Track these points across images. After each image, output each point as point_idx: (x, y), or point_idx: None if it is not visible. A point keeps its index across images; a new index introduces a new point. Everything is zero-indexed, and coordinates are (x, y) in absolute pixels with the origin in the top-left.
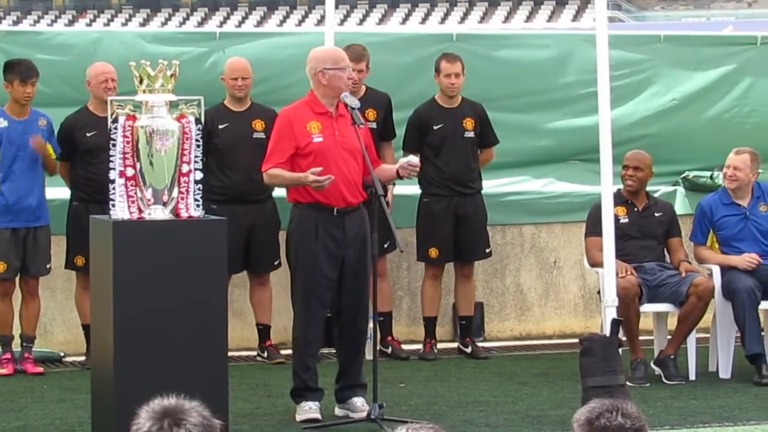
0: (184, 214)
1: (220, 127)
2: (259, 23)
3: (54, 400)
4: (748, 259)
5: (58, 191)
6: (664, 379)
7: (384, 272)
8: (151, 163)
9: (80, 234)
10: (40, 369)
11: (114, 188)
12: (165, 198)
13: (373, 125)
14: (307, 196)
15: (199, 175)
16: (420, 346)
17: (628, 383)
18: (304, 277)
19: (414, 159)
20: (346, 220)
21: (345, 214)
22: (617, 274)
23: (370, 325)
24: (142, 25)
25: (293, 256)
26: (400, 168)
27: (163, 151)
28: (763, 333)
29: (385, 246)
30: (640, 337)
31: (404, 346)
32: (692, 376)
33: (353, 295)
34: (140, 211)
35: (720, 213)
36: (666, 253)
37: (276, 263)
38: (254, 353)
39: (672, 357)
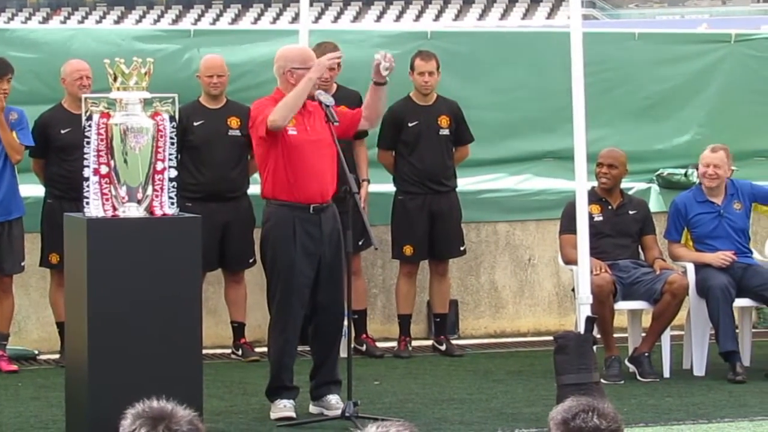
0: (158, 212)
1: (195, 124)
2: (234, 21)
3: (28, 398)
4: (722, 256)
5: (32, 189)
6: (638, 377)
7: (359, 270)
8: (125, 161)
9: (54, 231)
10: (15, 367)
11: (88, 186)
12: (139, 196)
13: None
14: (283, 193)
15: (174, 173)
16: (395, 344)
17: (602, 381)
18: (282, 277)
19: (388, 54)
20: (322, 217)
21: (320, 211)
22: (592, 272)
23: (345, 322)
24: (117, 22)
25: (270, 256)
26: (381, 68)
27: (137, 148)
28: (737, 330)
29: (360, 243)
30: (615, 335)
31: (379, 344)
32: (666, 374)
33: (329, 293)
34: (114, 208)
35: (694, 211)
36: (640, 250)
37: (251, 261)
38: (229, 351)
39: (646, 354)
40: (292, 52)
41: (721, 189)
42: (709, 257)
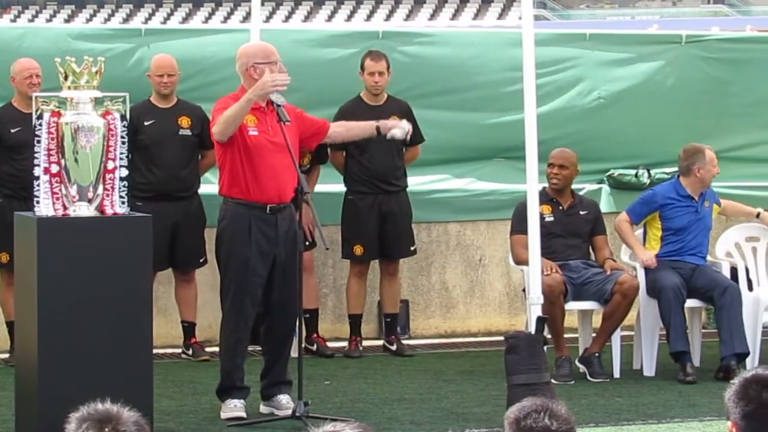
0: (109, 211)
1: (146, 123)
2: (185, 20)
3: None
4: (649, 260)
5: None
6: (588, 377)
7: (311, 267)
8: (76, 160)
9: (4, 231)
10: None
11: (38, 185)
12: (90, 195)
13: None
14: (240, 193)
15: (125, 172)
16: (345, 344)
17: (553, 381)
18: (236, 275)
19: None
20: (278, 217)
21: (277, 211)
22: (542, 272)
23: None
24: (67, 21)
25: (224, 254)
26: (387, 128)
27: (88, 147)
28: (687, 331)
29: (307, 243)
30: (565, 335)
31: (329, 344)
32: (617, 374)
33: (283, 293)
34: (65, 207)
35: (674, 203)
36: (591, 251)
37: (201, 260)
38: (179, 350)
39: (597, 354)
40: (254, 49)
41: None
42: (640, 252)
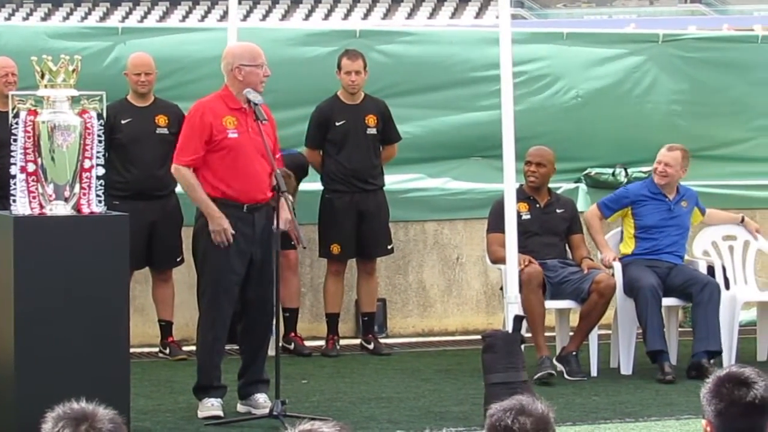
0: (85, 210)
1: (123, 122)
2: (162, 18)
3: None
4: (608, 260)
5: None
6: (566, 375)
7: (295, 266)
8: (52, 159)
9: None
10: None
11: (15, 184)
12: (66, 194)
13: None
14: (218, 191)
15: (101, 171)
16: (322, 343)
17: (535, 378)
18: (213, 274)
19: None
20: (255, 216)
21: (254, 210)
22: (519, 265)
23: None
24: (44, 19)
25: (201, 253)
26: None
27: (64, 146)
28: (664, 330)
29: (292, 242)
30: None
31: (307, 343)
32: (594, 373)
33: (259, 292)
34: (41, 206)
35: (645, 200)
36: (568, 249)
37: (178, 259)
38: (156, 350)
39: (574, 353)
40: (241, 49)
41: (673, 187)
42: (605, 251)
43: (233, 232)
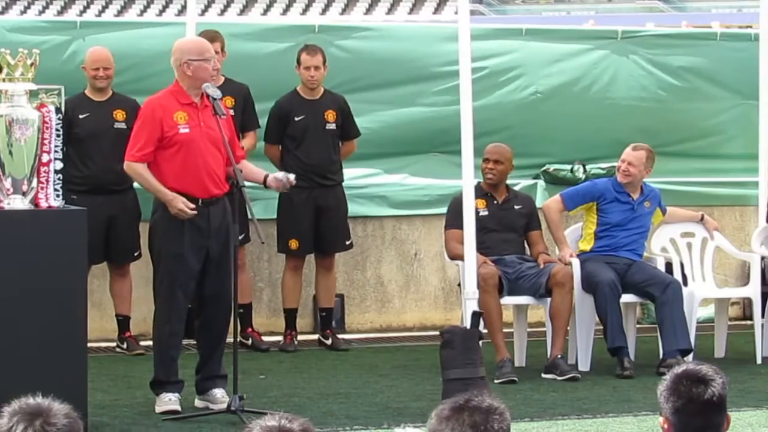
0: (43, 204)
1: (81, 116)
2: (120, 12)
3: None
4: (567, 259)
5: None
6: (559, 378)
7: (243, 263)
8: (10, 153)
9: None
10: None
11: None
12: (24, 188)
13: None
14: (172, 187)
15: (60, 165)
16: (280, 338)
17: (496, 381)
18: (168, 268)
19: (292, 177)
20: (210, 211)
21: (209, 205)
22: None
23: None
24: (1, 13)
25: (157, 247)
26: (273, 179)
27: (22, 140)
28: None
29: (240, 237)
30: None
31: (265, 338)
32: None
33: (216, 286)
34: None
35: (611, 198)
36: (526, 245)
37: (136, 254)
38: (114, 344)
39: (560, 356)
40: (189, 44)
41: (636, 186)
42: (563, 246)
43: (192, 206)
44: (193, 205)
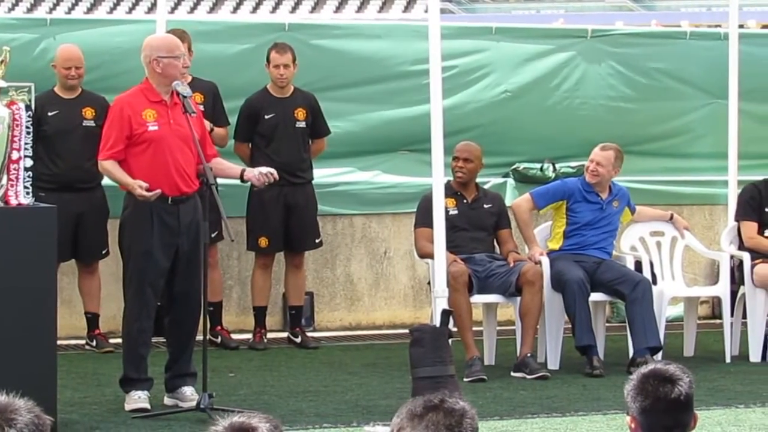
0: (13, 202)
1: (50, 114)
2: (89, 10)
3: None
4: (537, 258)
5: None
6: (528, 377)
7: (215, 262)
8: None
9: None
10: None
11: None
12: None
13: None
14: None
15: (29, 162)
16: (250, 336)
17: (465, 380)
18: (137, 266)
19: (275, 172)
20: (180, 208)
21: (179, 202)
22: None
23: None
24: None
25: (126, 244)
26: (258, 174)
27: None
28: (592, 324)
29: (213, 235)
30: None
31: (234, 336)
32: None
33: (186, 284)
34: None
35: (580, 198)
36: (496, 244)
37: (104, 252)
38: (83, 342)
39: (529, 355)
40: (158, 42)
41: (605, 186)
42: (533, 246)
43: (158, 191)
44: (147, 184)
